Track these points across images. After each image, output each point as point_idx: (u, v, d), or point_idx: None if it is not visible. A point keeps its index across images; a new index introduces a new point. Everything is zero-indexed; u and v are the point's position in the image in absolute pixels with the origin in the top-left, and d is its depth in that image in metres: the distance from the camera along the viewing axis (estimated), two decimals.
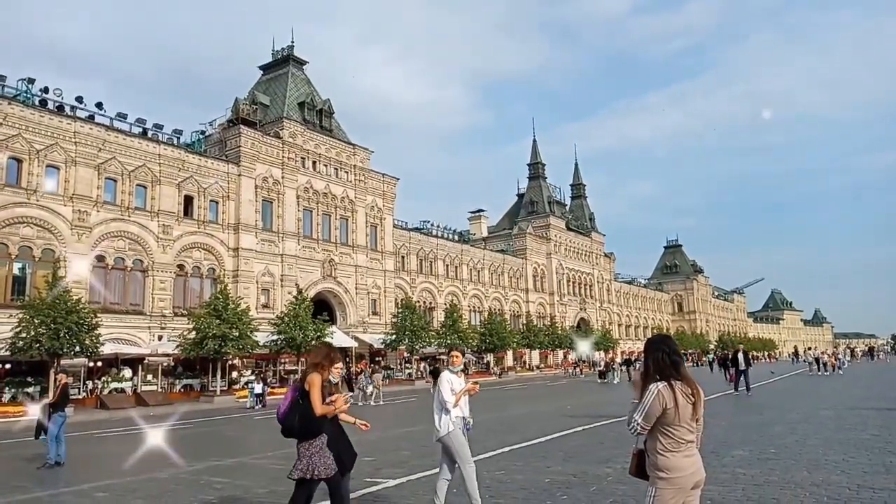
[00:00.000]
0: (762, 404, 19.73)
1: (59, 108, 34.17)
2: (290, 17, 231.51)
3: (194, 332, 32.00)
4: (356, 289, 48.37)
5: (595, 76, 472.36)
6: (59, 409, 12.31)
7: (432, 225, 62.67)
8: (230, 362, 35.59)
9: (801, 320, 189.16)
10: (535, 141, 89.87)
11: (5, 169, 30.97)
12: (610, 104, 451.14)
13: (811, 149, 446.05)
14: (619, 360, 52.47)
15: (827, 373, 37.44)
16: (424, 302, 57.33)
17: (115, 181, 35.39)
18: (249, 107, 45.01)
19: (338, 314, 47.32)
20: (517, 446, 11.77)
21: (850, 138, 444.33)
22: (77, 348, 27.34)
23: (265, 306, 41.05)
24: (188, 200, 38.88)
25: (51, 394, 13.54)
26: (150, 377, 33.63)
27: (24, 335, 26.24)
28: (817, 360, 40.61)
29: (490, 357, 58.58)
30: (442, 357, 51.35)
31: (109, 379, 31.56)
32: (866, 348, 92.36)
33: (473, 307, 63.65)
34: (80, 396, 30.11)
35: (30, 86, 33.48)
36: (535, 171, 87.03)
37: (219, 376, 33.64)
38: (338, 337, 41.90)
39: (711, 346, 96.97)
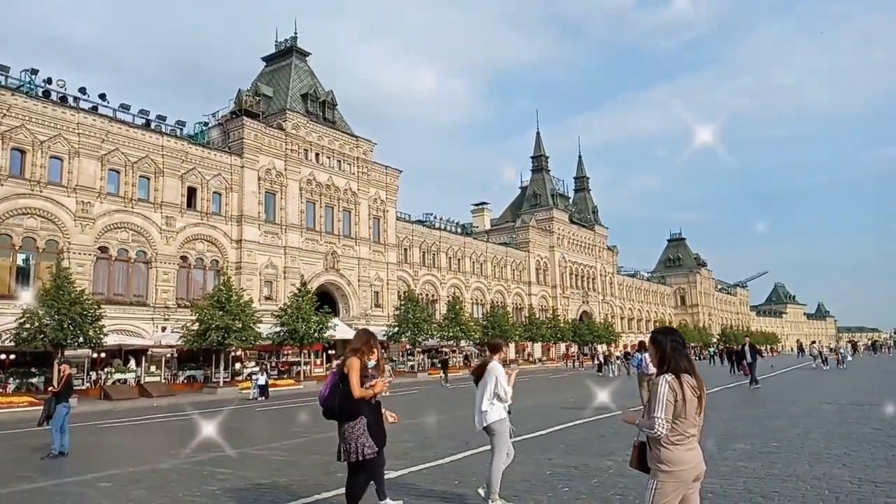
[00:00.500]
0: (764, 398, 19.74)
1: (63, 100, 34.17)
2: (294, 9, 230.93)
3: (197, 324, 32.11)
4: (359, 281, 48.42)
5: (599, 69, 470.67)
6: (62, 400, 12.38)
7: (435, 217, 62.67)
8: (233, 354, 35.69)
9: (805, 314, 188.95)
10: (538, 134, 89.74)
11: (9, 160, 31.03)
12: (614, 97, 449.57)
13: (817, 142, 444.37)
14: (616, 353, 52.49)
15: (826, 367, 37.25)
16: (427, 294, 57.38)
17: (118, 172, 35.43)
18: (252, 98, 44.95)
19: (340, 306, 47.41)
20: (519, 438, 11.75)
21: (857, 131, 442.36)
22: (81, 339, 27.44)
23: (268, 298, 41.14)
24: (191, 192, 38.91)
25: (55, 384, 13.57)
26: (153, 368, 33.77)
27: (28, 326, 26.34)
28: (821, 353, 40.41)
29: None
30: (444, 349, 51.47)
31: (113, 370, 31.70)
32: (869, 342, 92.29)
33: (476, 300, 63.70)
34: (84, 387, 30.27)
35: (33, 77, 33.50)
36: (539, 163, 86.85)
37: (222, 368, 33.75)
38: (340, 329, 41.97)
39: (714, 340, 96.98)
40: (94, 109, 35.28)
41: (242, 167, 41.31)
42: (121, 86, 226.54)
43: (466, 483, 8.03)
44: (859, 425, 12.28)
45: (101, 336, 28.60)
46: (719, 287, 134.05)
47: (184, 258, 38.00)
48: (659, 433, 3.72)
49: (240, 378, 34.70)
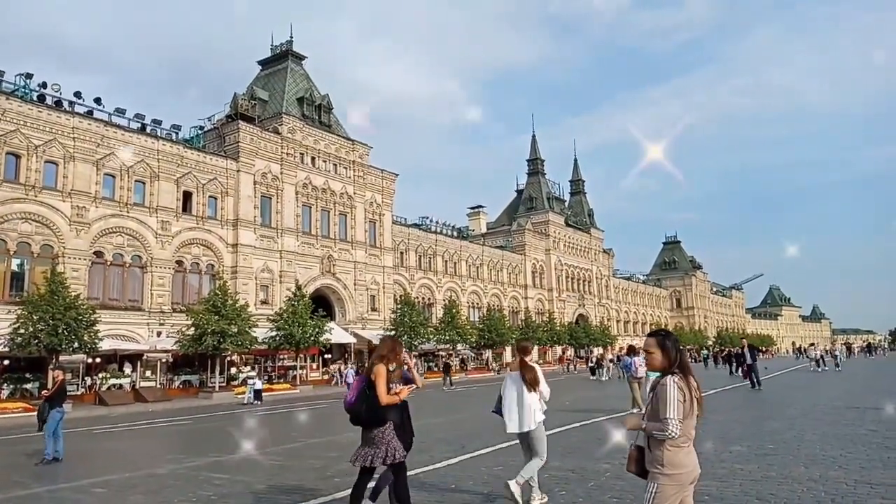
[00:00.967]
0: (760, 400, 19.78)
1: (58, 104, 34.10)
2: (291, 10, 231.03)
3: (193, 329, 32.02)
4: (355, 285, 48.38)
5: (596, 71, 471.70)
6: (56, 405, 12.33)
7: (431, 221, 62.65)
8: (229, 358, 35.60)
9: (800, 316, 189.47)
10: (534, 137, 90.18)
11: (3, 165, 30.94)
12: (610, 99, 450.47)
13: (811, 143, 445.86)
14: (609, 356, 52.46)
15: (825, 368, 37.26)
16: (423, 298, 57.35)
17: (113, 177, 35.35)
18: (248, 102, 44.92)
19: (336, 310, 47.35)
20: (515, 442, 11.77)
21: (850, 131, 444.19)
22: (76, 344, 27.36)
23: (264, 302, 41.05)
24: (187, 196, 38.85)
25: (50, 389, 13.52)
26: (148, 373, 33.65)
27: (22, 331, 26.23)
28: (821, 357, 40.37)
29: (489, 353, 58.62)
30: (441, 353, 51.44)
31: (108, 375, 31.58)
32: (864, 344, 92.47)
33: (472, 303, 63.70)
34: (79, 392, 30.18)
35: (28, 81, 33.41)
36: (535, 166, 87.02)
37: (217, 372, 33.65)
38: (336, 333, 41.96)
39: (710, 343, 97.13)
40: (89, 114, 35.20)
41: (238, 171, 41.27)
42: (115, 90, 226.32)
43: (463, 487, 8.03)
44: (855, 427, 12.31)
45: (96, 341, 28.50)
46: (715, 290, 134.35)
47: (179, 262, 37.91)
48: (673, 434, 3.67)
49: (235, 383, 34.61)
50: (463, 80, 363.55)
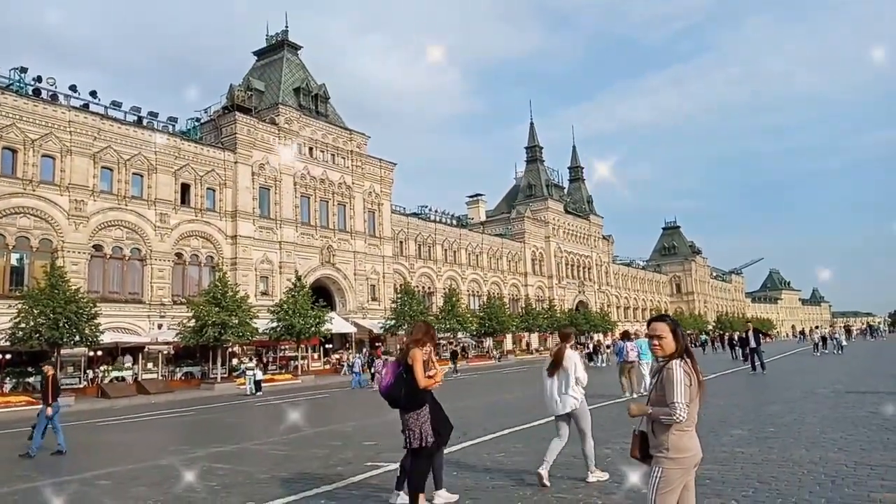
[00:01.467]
0: (760, 383, 19.84)
1: (53, 98, 33.94)
2: (285, 4, 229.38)
3: (194, 320, 32.05)
4: (355, 275, 48.39)
5: (591, 60, 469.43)
6: (55, 400, 12.36)
7: (430, 210, 62.59)
8: (230, 350, 35.67)
9: (800, 300, 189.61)
10: (532, 124, 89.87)
11: (0, 159, 30.85)
12: (607, 88, 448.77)
13: (807, 128, 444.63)
14: (606, 342, 52.46)
15: (818, 353, 36.59)
16: (423, 287, 57.40)
17: (111, 170, 35.26)
18: (244, 93, 44.70)
19: (337, 300, 47.39)
20: (517, 428, 11.84)
21: (847, 117, 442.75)
22: (77, 338, 27.36)
23: (264, 293, 41.09)
24: (185, 188, 38.77)
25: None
26: (150, 365, 33.73)
27: (23, 325, 26.26)
28: (824, 339, 40.26)
29: (489, 341, 58.74)
30: (441, 341, 51.48)
31: (110, 368, 31.65)
32: (864, 327, 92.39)
33: (472, 291, 63.76)
34: (81, 385, 30.35)
35: (22, 75, 33.24)
36: (533, 154, 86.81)
37: (219, 364, 33.73)
38: (337, 323, 42.03)
39: (710, 327, 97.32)
40: (85, 107, 35.06)
41: (236, 163, 41.16)
42: (110, 83, 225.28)
43: (465, 473, 8.06)
44: (855, 409, 12.35)
45: (97, 334, 28.52)
46: (714, 274, 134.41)
47: (179, 255, 37.90)
48: (681, 418, 3.65)
49: (237, 374, 34.67)
50: (459, 72, 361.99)
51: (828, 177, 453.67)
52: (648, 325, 4.05)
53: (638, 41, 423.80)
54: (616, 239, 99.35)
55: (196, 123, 42.76)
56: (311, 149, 46.78)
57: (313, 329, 37.04)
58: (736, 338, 36.63)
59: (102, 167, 34.83)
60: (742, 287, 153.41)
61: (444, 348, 48.72)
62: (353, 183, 49.43)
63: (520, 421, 12.71)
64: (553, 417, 7.63)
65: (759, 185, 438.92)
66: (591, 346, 45.74)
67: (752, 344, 24.44)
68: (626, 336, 19.09)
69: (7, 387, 28.16)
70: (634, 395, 16.78)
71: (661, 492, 3.70)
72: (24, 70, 33.41)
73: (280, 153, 43.73)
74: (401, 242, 55.64)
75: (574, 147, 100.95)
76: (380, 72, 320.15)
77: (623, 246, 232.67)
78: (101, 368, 31.49)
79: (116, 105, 36.89)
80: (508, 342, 64.67)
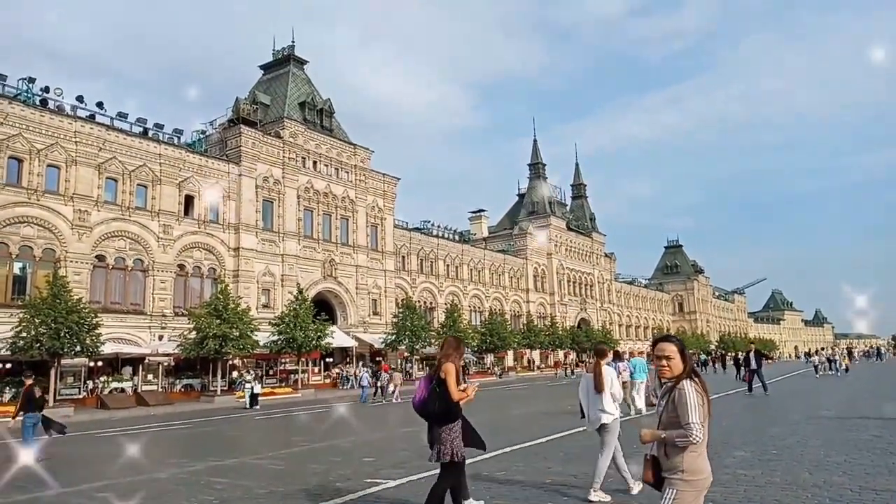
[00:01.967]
0: (763, 405, 19.70)
1: (60, 108, 34.16)
2: (291, 18, 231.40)
3: (195, 332, 32.00)
4: (357, 289, 48.35)
5: (593, 77, 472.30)
6: (26, 412, 12.30)
7: (433, 225, 62.67)
8: (231, 362, 35.57)
9: (802, 320, 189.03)
10: (535, 141, 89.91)
11: (6, 169, 30.99)
12: (608, 105, 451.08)
13: (806, 149, 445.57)
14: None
15: (819, 375, 35.95)
16: (425, 302, 57.32)
17: (115, 181, 35.39)
18: (250, 106, 44.99)
19: (338, 314, 47.32)
20: (518, 446, 11.75)
21: (848, 137, 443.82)
22: (77, 348, 27.31)
23: (266, 306, 41.04)
24: (189, 200, 38.88)
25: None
26: (150, 377, 33.62)
27: (24, 335, 26.22)
28: (829, 360, 40.02)
29: (491, 357, 58.51)
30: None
31: (110, 379, 31.56)
32: (867, 349, 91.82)
33: (474, 307, 63.63)
34: (81, 396, 30.23)
35: (30, 85, 33.47)
36: (536, 170, 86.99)
37: (219, 376, 33.61)
38: (338, 337, 41.90)
39: (712, 347, 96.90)
40: (91, 118, 35.26)
41: (240, 175, 41.30)
42: (117, 96, 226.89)
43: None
44: (859, 432, 12.24)
45: (98, 345, 28.48)
46: (717, 294, 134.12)
47: (181, 266, 37.92)
48: (698, 439, 3.56)
49: (236, 386, 34.53)
50: (462, 87, 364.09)
51: (829, 196, 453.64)
52: (654, 345, 3.95)
53: (638, 59, 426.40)
54: (618, 256, 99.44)
55: (201, 136, 42.96)
56: (315, 162, 46.95)
57: (314, 343, 36.95)
58: (741, 358, 36.32)
59: (107, 178, 34.96)
60: (744, 307, 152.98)
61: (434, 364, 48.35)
62: (356, 197, 49.54)
63: (521, 438, 12.63)
64: (595, 432, 7.89)
65: (759, 203, 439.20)
66: (586, 364, 45.27)
67: (753, 365, 24.22)
68: (617, 356, 18.85)
69: (7, 396, 28.03)
70: (633, 414, 16.65)
71: None
72: (31, 80, 33.66)
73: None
74: (403, 257, 55.65)
75: (577, 164, 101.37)
76: (382, 85, 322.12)
77: (625, 264, 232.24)
78: (101, 379, 31.41)
79: (122, 116, 37.11)
80: (510, 359, 64.41)
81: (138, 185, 36.39)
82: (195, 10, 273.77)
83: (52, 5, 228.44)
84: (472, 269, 64.42)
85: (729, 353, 67.97)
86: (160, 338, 35.42)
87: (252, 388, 29.30)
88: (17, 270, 31.48)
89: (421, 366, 49.87)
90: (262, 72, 53.25)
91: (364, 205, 50.26)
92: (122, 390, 31.55)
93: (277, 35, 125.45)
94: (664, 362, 3.81)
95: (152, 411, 27.42)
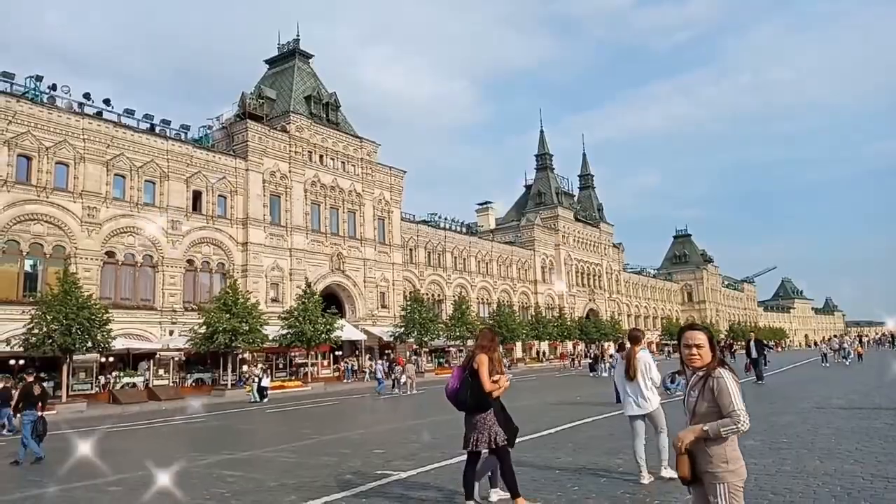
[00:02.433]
0: (772, 394, 19.64)
1: (68, 106, 34.29)
2: (296, 12, 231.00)
3: (205, 327, 32.18)
4: (365, 282, 48.44)
5: (600, 69, 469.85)
6: (24, 409, 12.33)
7: (440, 217, 62.65)
8: (241, 356, 35.76)
9: (812, 308, 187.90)
10: (542, 132, 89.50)
11: (15, 167, 31.17)
12: (615, 96, 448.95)
13: (820, 137, 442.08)
14: (610, 352, 51.81)
15: (826, 364, 35.46)
16: (433, 294, 57.36)
17: (123, 177, 35.55)
18: (256, 101, 45.03)
19: (347, 307, 47.45)
20: (527, 437, 11.75)
21: (859, 126, 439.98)
22: (89, 344, 27.51)
23: (274, 300, 41.20)
24: (196, 195, 39.01)
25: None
26: (161, 372, 33.85)
27: (36, 331, 26.44)
28: (839, 347, 39.66)
29: (500, 349, 58.40)
30: (451, 349, 51.44)
31: (121, 374, 31.80)
32: (878, 336, 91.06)
33: (482, 299, 63.64)
34: (93, 391, 30.49)
35: (38, 83, 33.64)
36: (543, 161, 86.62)
37: (230, 370, 33.80)
38: (347, 330, 42.02)
39: (721, 336, 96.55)
40: (98, 115, 35.40)
41: (247, 170, 41.38)
42: (124, 92, 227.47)
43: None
44: (870, 420, 12.19)
45: (109, 340, 28.66)
46: (726, 283, 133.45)
47: (190, 262, 38.09)
48: (747, 425, 3.44)
49: (243, 381, 34.69)
50: (468, 81, 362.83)
51: (839, 186, 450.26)
52: (681, 333, 3.77)
53: (646, 49, 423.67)
54: (626, 247, 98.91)
55: (208, 131, 43.08)
56: (321, 156, 46.96)
57: (323, 336, 37.07)
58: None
59: (115, 174, 35.11)
60: (754, 296, 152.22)
61: (455, 356, 48.60)
62: (363, 190, 49.56)
63: (531, 429, 12.63)
64: (629, 417, 7.93)
65: (769, 193, 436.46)
66: (591, 355, 44.83)
67: (754, 354, 24.16)
68: (622, 349, 18.42)
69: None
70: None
71: None
72: (39, 78, 33.81)
73: None
74: (410, 250, 55.67)
75: (584, 155, 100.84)
76: (389, 80, 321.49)
77: (634, 254, 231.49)
78: (113, 374, 31.65)
79: (129, 113, 37.25)
80: (518, 350, 64.45)
81: (146, 181, 36.54)
82: (200, 6, 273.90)
83: (56, 4, 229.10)
84: (479, 262, 64.38)
85: (738, 343, 67.59)
86: (170, 333, 35.64)
87: (259, 380, 29.46)
88: (28, 268, 31.71)
89: (430, 357, 50.01)
90: (268, 66, 53.26)
91: (371, 198, 50.27)
92: (134, 385, 31.79)
93: (282, 30, 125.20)
94: (694, 350, 3.63)
95: (164, 406, 27.60)
